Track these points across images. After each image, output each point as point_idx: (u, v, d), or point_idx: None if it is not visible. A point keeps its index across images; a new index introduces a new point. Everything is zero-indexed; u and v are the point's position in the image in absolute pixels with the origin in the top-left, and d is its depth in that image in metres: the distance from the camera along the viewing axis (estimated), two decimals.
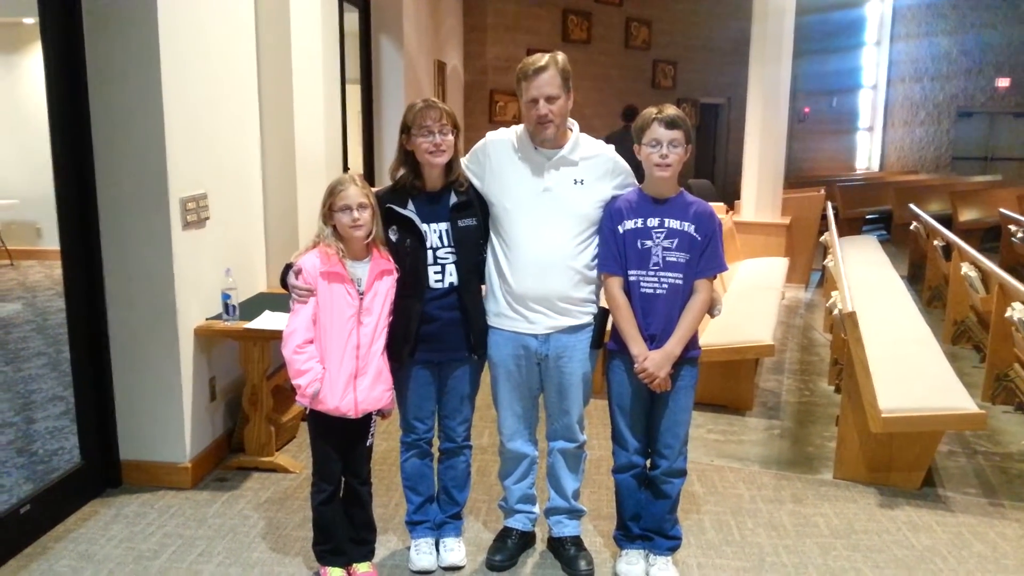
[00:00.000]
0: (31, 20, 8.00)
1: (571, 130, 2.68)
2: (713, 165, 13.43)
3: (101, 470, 3.36)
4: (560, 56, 2.60)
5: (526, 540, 2.94)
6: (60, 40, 3.05)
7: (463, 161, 2.73)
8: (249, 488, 3.42)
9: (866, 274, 5.93)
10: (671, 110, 2.57)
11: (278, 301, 3.57)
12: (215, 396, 3.62)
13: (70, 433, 3.80)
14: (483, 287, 2.76)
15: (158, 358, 3.32)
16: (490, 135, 2.75)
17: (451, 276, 2.64)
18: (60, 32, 3.05)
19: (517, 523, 2.91)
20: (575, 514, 2.90)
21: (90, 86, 3.13)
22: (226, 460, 3.64)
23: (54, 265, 7.89)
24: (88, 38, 3.10)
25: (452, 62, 8.76)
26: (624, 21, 11.22)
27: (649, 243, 2.58)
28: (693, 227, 2.58)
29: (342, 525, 2.69)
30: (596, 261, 2.67)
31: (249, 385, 3.53)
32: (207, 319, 3.47)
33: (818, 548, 3.01)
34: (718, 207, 6.92)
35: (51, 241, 8.17)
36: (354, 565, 2.72)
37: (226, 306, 3.42)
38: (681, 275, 2.58)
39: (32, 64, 8.26)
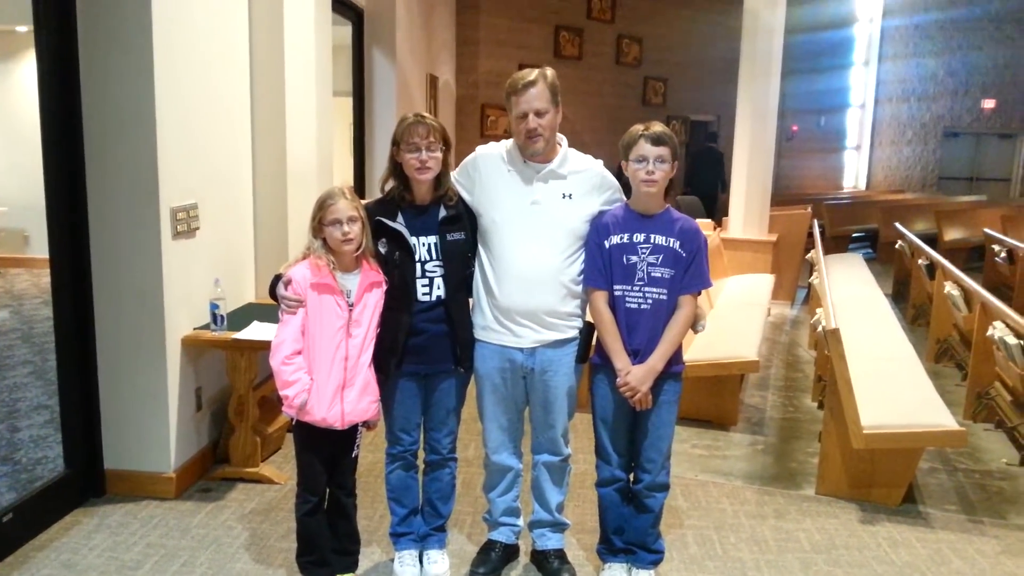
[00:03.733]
0: (24, 28, 8.00)
1: (560, 145, 2.72)
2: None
3: (85, 479, 3.35)
4: (549, 71, 2.64)
5: (510, 553, 2.95)
6: (54, 48, 3.07)
7: (453, 175, 2.76)
8: (233, 499, 3.42)
9: (851, 292, 5.99)
10: (658, 127, 2.61)
11: (266, 312, 3.58)
12: (201, 406, 3.62)
13: (54, 442, 3.78)
14: (470, 300, 2.78)
15: (145, 367, 3.32)
16: (480, 149, 2.79)
17: (439, 289, 2.66)
18: (54, 40, 3.07)
19: (501, 536, 2.93)
20: (559, 527, 2.92)
21: (83, 94, 3.15)
22: (211, 471, 3.64)
23: (41, 273, 7.85)
24: (82, 47, 3.12)
25: (444, 76, 8.81)
26: (615, 38, 11.32)
27: (634, 258, 2.62)
28: (678, 243, 2.62)
29: (326, 536, 2.69)
30: (582, 275, 2.70)
31: (235, 396, 3.53)
32: (195, 329, 3.47)
33: (799, 563, 3.03)
34: (705, 224, 6.98)
35: (39, 249, 8.15)
36: None
37: (214, 316, 3.43)
38: (665, 290, 2.61)
39: (25, 72, 8.25)
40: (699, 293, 2.69)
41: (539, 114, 2.58)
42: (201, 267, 3.53)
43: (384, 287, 2.63)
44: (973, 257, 9.93)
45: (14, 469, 3.64)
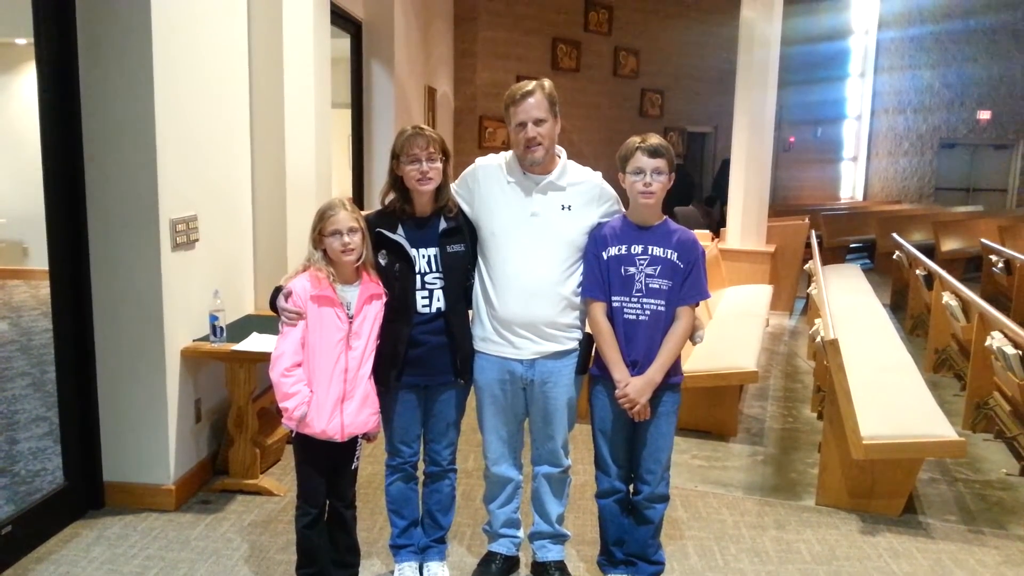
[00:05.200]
0: (24, 41, 8.03)
1: (559, 157, 2.73)
2: (700, 193, 13.56)
3: (84, 491, 3.34)
4: (547, 82, 2.67)
5: (510, 564, 2.94)
6: (54, 61, 3.08)
7: (453, 186, 2.77)
8: (233, 511, 3.41)
9: (849, 302, 5.99)
10: (654, 139, 2.63)
11: (265, 323, 3.58)
12: (200, 418, 3.61)
13: (53, 454, 3.78)
14: (470, 312, 2.79)
15: (144, 379, 3.32)
16: (479, 161, 2.80)
17: (438, 301, 2.67)
18: (54, 53, 3.08)
19: (501, 547, 2.92)
20: (559, 539, 2.91)
21: (83, 106, 3.16)
22: (210, 482, 3.63)
23: (40, 285, 7.85)
24: (82, 59, 3.13)
25: (442, 88, 8.85)
26: (613, 50, 11.37)
27: (632, 270, 2.63)
28: (676, 255, 2.63)
29: (326, 548, 2.69)
30: (581, 287, 2.71)
31: (234, 407, 3.53)
32: (194, 340, 3.47)
33: (800, 574, 3.03)
34: (703, 235, 6.99)
35: (37, 261, 8.15)
36: None
37: (213, 328, 3.43)
38: (663, 302, 2.62)
39: (24, 84, 8.28)
40: (697, 304, 2.70)
41: (538, 123, 2.60)
42: (200, 279, 3.53)
43: (384, 299, 2.63)
44: (970, 267, 9.96)
45: (13, 481, 3.63)
